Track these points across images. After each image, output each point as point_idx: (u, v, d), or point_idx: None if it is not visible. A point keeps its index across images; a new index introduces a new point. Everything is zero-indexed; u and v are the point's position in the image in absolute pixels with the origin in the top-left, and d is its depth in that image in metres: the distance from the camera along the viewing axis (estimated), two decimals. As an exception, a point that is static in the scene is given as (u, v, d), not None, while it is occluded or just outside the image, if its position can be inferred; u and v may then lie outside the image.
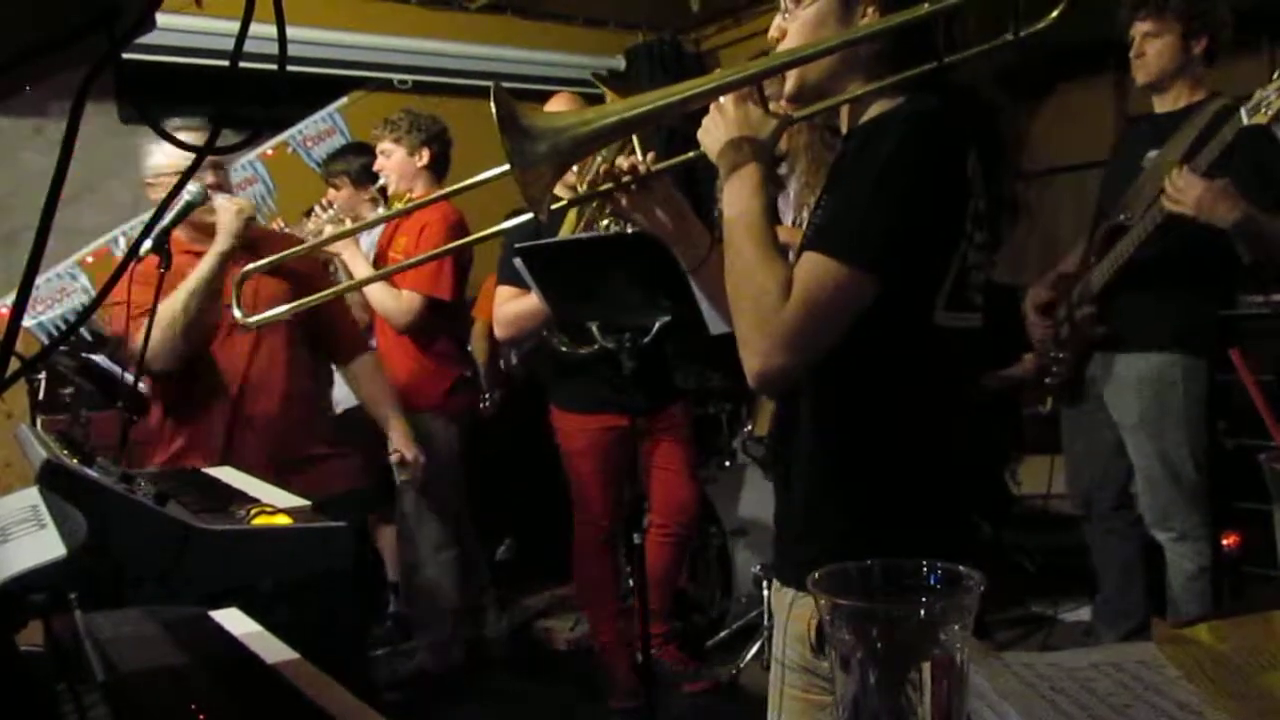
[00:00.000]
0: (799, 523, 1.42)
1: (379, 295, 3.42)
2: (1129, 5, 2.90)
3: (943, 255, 1.30)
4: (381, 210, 3.74)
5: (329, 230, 3.43)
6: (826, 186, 1.40)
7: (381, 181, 3.68)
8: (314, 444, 2.87)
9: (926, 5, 1.28)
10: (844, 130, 1.45)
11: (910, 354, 1.33)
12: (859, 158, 1.31)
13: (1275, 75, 2.59)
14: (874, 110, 1.38)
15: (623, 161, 1.49)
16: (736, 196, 1.33)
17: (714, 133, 1.37)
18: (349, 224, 3.49)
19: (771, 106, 1.40)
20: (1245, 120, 2.61)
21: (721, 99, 1.36)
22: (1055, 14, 1.29)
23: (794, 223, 2.77)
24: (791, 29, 1.39)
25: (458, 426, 3.56)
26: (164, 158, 2.71)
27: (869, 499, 1.35)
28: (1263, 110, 2.58)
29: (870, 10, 1.35)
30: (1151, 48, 2.85)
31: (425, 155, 3.53)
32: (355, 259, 3.39)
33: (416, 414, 3.45)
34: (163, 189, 2.74)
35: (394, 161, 3.55)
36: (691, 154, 1.46)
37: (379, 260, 3.57)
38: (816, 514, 1.38)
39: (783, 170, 2.93)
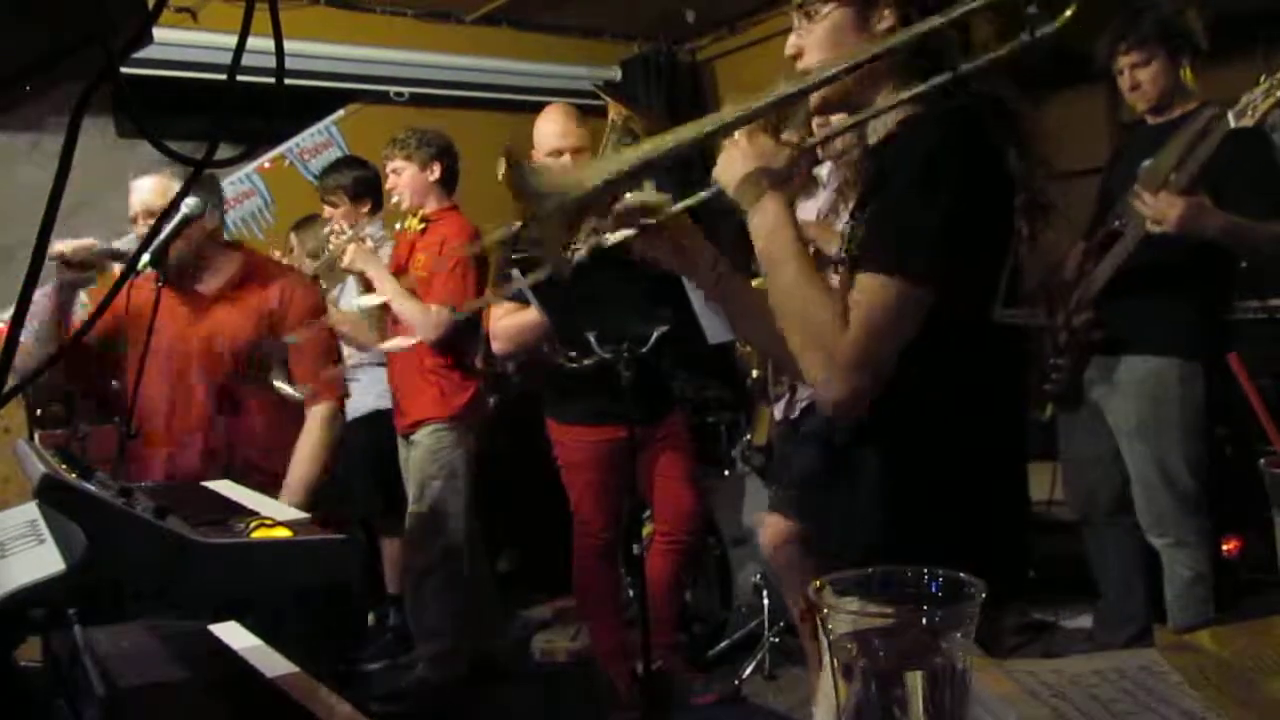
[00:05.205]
0: (868, 533, 1.39)
1: (409, 310, 3.43)
2: (1108, 40, 2.93)
3: (998, 252, 1.30)
4: (382, 225, 3.75)
5: (352, 250, 3.42)
6: (864, 194, 1.40)
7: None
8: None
9: (939, 18, 1.26)
10: (869, 139, 1.43)
11: (974, 353, 1.33)
12: (893, 164, 1.31)
13: (1262, 79, 2.62)
14: (898, 115, 1.36)
15: (633, 199, 1.42)
16: (764, 229, 1.32)
17: (731, 169, 1.34)
18: (369, 242, 3.50)
19: (783, 135, 1.40)
20: (1233, 123, 2.64)
21: (735, 134, 1.34)
22: (1068, 14, 1.25)
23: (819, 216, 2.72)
24: (809, 44, 1.37)
25: (473, 437, 3.58)
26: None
27: (945, 503, 1.33)
28: (1249, 114, 2.62)
29: (888, 13, 1.33)
30: (1145, 75, 2.90)
31: (436, 170, 3.54)
32: (382, 277, 3.43)
33: (437, 425, 3.46)
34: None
35: (406, 178, 3.56)
36: (705, 193, 1.42)
37: (397, 277, 3.58)
38: (888, 522, 1.36)
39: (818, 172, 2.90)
